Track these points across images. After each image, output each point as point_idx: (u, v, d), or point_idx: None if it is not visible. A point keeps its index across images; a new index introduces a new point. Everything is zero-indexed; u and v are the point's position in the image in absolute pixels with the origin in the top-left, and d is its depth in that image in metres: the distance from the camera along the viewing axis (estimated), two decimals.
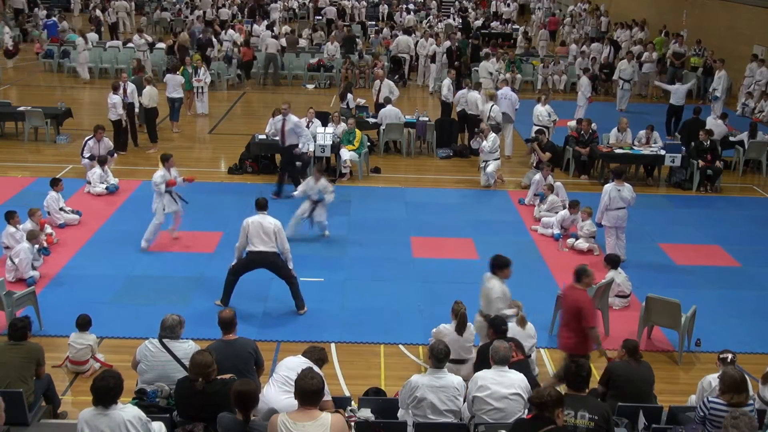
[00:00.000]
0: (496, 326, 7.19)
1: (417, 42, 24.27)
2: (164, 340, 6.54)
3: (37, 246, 10.19)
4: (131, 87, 15.83)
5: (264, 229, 9.19)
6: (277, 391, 6.15)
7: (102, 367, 8.05)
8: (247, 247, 9.29)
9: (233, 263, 9.56)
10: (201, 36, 23.72)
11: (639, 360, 6.93)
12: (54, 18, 27.54)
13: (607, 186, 11.09)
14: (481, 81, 19.75)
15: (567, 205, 12.38)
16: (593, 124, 15.54)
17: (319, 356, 6.46)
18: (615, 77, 21.99)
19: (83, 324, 8.20)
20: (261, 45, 24.47)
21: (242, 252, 9.42)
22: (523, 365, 6.83)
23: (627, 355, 6.92)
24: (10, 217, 10.38)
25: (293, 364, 6.24)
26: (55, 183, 11.99)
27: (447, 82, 17.94)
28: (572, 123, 16.34)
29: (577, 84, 20.41)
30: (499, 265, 7.92)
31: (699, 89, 22.88)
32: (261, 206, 9.51)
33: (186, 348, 6.49)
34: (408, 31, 26.40)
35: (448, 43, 23.07)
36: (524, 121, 17.09)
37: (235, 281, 9.50)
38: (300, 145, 13.30)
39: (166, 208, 10.92)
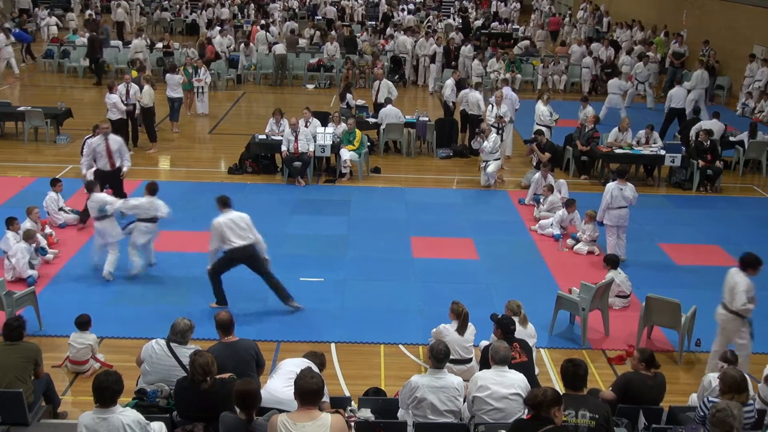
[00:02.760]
0: (504, 326, 7.16)
1: (417, 41, 24.25)
2: (172, 344, 6.50)
3: (34, 245, 10.18)
4: (134, 88, 15.81)
5: (237, 224, 9.18)
6: (281, 383, 6.15)
7: (102, 367, 8.04)
8: (225, 245, 9.21)
9: (210, 266, 9.42)
10: (100, 37, 23.36)
11: (654, 372, 6.73)
12: (18, 29, 26.81)
13: (609, 185, 11.10)
14: (476, 80, 19.79)
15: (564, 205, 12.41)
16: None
17: (320, 361, 6.51)
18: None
19: (83, 323, 8.19)
20: (257, 45, 24.49)
21: (216, 254, 9.34)
22: (526, 367, 6.79)
23: (645, 367, 6.70)
24: (11, 223, 10.35)
25: (296, 362, 6.28)
26: (54, 183, 11.98)
27: (450, 83, 17.90)
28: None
29: (608, 85, 20.24)
30: (752, 263, 8.03)
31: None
32: (225, 204, 9.41)
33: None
34: (408, 31, 26.38)
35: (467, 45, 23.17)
36: (525, 121, 17.07)
37: (220, 280, 9.45)
38: (124, 168, 11.94)
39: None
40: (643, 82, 21.43)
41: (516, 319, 7.85)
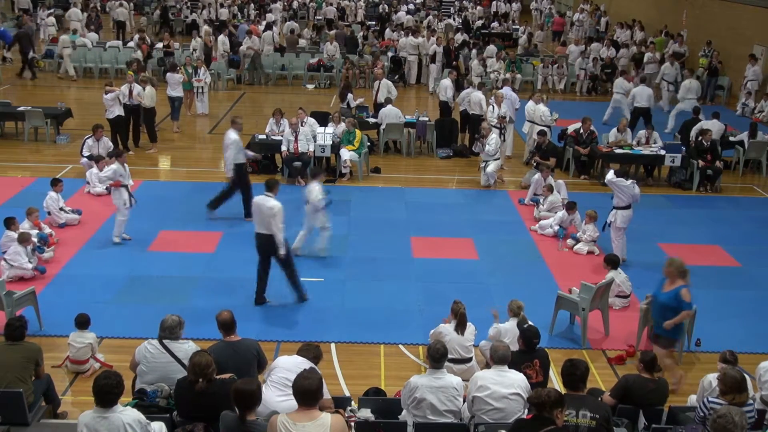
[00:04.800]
0: (527, 339, 7.09)
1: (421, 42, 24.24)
2: (164, 341, 6.52)
3: (30, 247, 10.18)
4: (138, 89, 15.80)
5: (261, 210, 9.30)
6: (275, 394, 6.12)
7: (102, 368, 8.04)
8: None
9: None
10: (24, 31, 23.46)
11: (656, 376, 6.69)
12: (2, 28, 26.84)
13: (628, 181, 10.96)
14: (477, 80, 19.77)
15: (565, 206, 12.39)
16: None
17: (315, 354, 6.41)
18: (657, 80, 21.79)
19: (82, 323, 8.20)
20: (263, 45, 24.51)
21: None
22: (541, 386, 6.70)
23: (644, 369, 6.67)
24: (11, 223, 10.37)
25: (290, 365, 6.20)
26: (54, 183, 11.99)
27: (447, 83, 17.89)
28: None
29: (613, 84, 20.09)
30: None
31: (704, 90, 22.75)
32: (270, 188, 9.58)
33: (186, 348, 6.48)
34: (407, 31, 26.36)
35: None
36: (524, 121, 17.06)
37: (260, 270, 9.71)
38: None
39: None
40: (672, 82, 20.94)
41: (515, 320, 7.86)
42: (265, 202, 9.32)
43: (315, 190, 10.88)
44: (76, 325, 8.21)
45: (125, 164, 11.43)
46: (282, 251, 9.43)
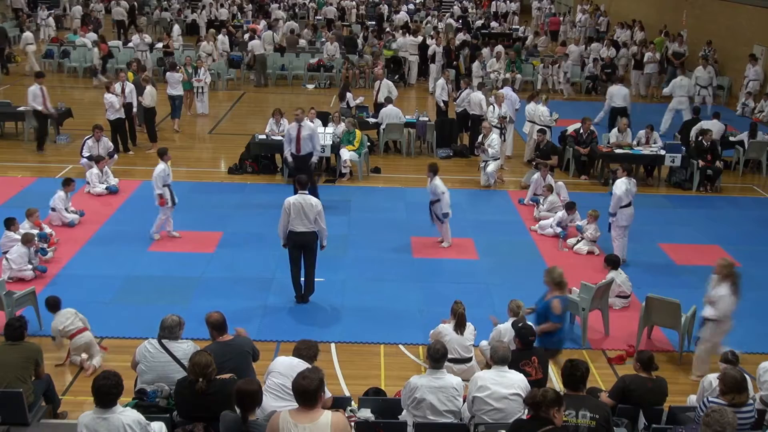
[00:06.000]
0: (523, 336, 7.06)
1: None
2: (163, 341, 6.52)
3: (33, 248, 10.18)
4: (129, 87, 15.82)
5: (303, 208, 9.27)
6: (272, 399, 6.07)
7: (101, 368, 8.03)
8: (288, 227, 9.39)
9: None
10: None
11: (653, 375, 6.67)
12: None
13: (621, 181, 10.93)
14: (477, 80, 19.77)
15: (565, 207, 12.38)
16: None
17: (313, 353, 6.35)
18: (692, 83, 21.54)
19: (53, 305, 8.22)
20: (264, 44, 24.51)
21: (285, 233, 9.50)
22: (541, 384, 6.68)
23: (641, 368, 6.66)
24: (11, 223, 10.38)
25: (286, 368, 6.13)
26: (66, 183, 12.00)
27: (440, 82, 17.89)
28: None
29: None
30: None
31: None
32: (303, 185, 9.54)
33: (185, 348, 6.48)
34: (406, 30, 26.35)
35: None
36: (525, 121, 17.04)
37: (296, 271, 9.65)
38: (314, 157, 12.97)
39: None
40: (705, 86, 20.30)
41: (514, 319, 7.84)
42: (308, 199, 9.38)
43: (439, 184, 11.43)
44: (48, 309, 8.22)
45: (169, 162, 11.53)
46: (325, 243, 9.63)
